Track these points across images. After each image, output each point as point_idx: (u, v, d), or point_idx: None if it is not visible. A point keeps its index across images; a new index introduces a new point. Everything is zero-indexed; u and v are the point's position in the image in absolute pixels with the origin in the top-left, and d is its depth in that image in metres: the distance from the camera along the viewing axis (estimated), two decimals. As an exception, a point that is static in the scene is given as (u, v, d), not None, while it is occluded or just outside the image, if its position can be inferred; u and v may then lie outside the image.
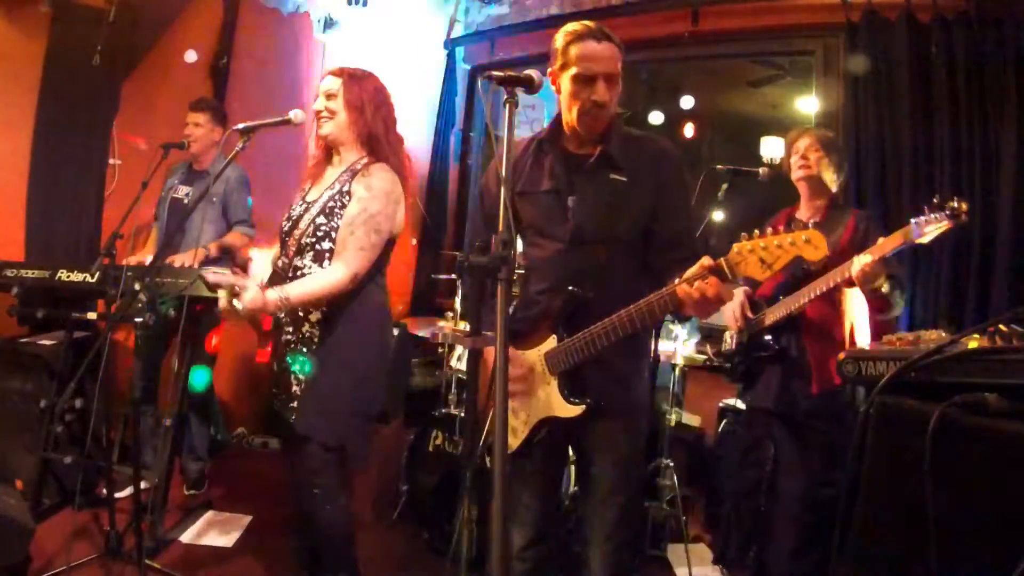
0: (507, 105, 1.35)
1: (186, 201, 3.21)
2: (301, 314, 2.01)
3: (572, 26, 1.67)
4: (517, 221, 1.79)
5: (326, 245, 1.98)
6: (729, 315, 2.42)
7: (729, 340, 2.46)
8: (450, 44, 4.69)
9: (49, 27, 3.36)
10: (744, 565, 2.54)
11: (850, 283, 2.08)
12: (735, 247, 1.39)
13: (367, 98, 2.03)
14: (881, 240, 2.03)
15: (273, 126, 2.02)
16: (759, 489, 2.43)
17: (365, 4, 4.32)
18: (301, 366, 2.00)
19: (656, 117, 6.63)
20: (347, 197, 1.99)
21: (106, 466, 2.52)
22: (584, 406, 1.66)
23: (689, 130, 6.57)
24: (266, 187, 3.58)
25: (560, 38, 1.68)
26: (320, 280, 1.91)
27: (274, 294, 1.84)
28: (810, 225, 1.36)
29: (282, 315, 2.04)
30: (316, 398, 1.96)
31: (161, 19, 3.69)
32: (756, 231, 1.37)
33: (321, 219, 1.99)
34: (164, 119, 3.64)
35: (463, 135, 4.84)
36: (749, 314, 2.38)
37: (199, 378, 3.08)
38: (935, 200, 1.92)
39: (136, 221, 3.35)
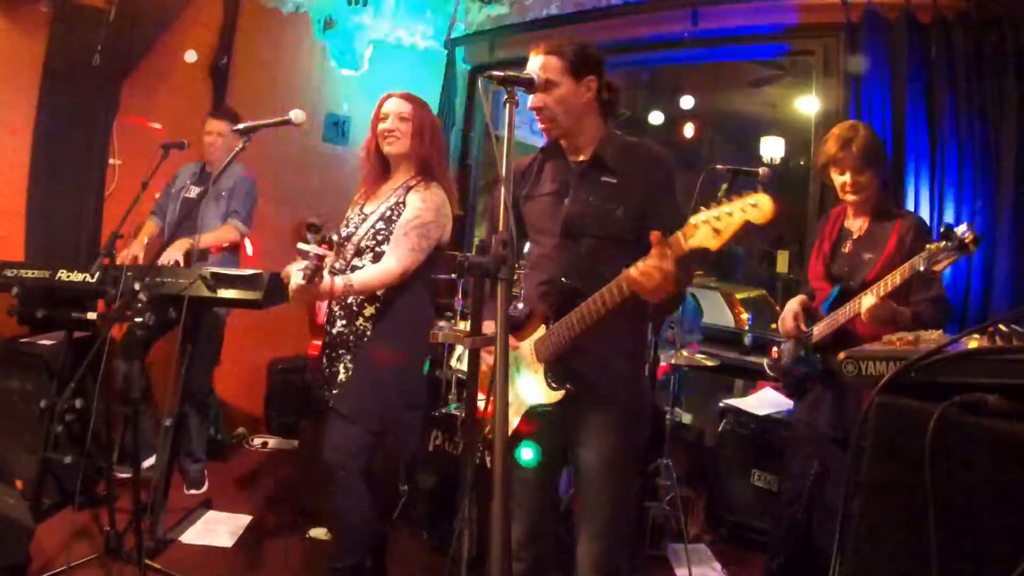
0: (507, 105, 1.37)
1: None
2: (355, 310, 2.21)
3: None
4: (522, 224, 1.90)
5: (385, 247, 2.17)
6: (783, 325, 2.35)
7: (785, 352, 2.37)
8: (450, 44, 4.69)
9: (49, 27, 3.36)
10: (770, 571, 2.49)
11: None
12: (690, 218, 1.39)
13: (428, 125, 2.25)
14: (888, 277, 1.93)
15: (273, 126, 2.03)
16: (799, 501, 2.34)
17: (365, 4, 4.32)
18: (351, 357, 2.19)
19: (656, 117, 6.63)
20: (402, 206, 2.20)
21: (106, 466, 2.52)
22: (564, 391, 1.71)
23: (689, 130, 6.58)
24: (264, 188, 3.58)
25: None
26: (376, 271, 2.13)
27: (341, 280, 2.03)
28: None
29: (336, 308, 2.26)
30: (363, 384, 2.16)
31: (161, 19, 3.69)
32: (712, 202, 1.38)
33: (380, 225, 2.19)
34: (164, 119, 3.64)
35: (463, 135, 4.84)
36: (803, 326, 2.28)
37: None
38: (942, 229, 1.86)
39: (136, 221, 3.35)
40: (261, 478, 3.53)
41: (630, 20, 3.72)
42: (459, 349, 3.27)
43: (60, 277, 2.51)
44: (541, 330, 1.78)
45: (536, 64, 1.71)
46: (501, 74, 1.37)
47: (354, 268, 2.18)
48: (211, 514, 3.00)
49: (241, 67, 3.98)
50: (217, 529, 2.86)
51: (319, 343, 2.30)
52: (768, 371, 2.51)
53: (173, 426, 2.66)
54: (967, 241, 1.81)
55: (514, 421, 1.80)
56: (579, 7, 4.03)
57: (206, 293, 2.44)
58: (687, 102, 6.08)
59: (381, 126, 2.22)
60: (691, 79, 6.08)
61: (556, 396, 1.73)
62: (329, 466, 2.16)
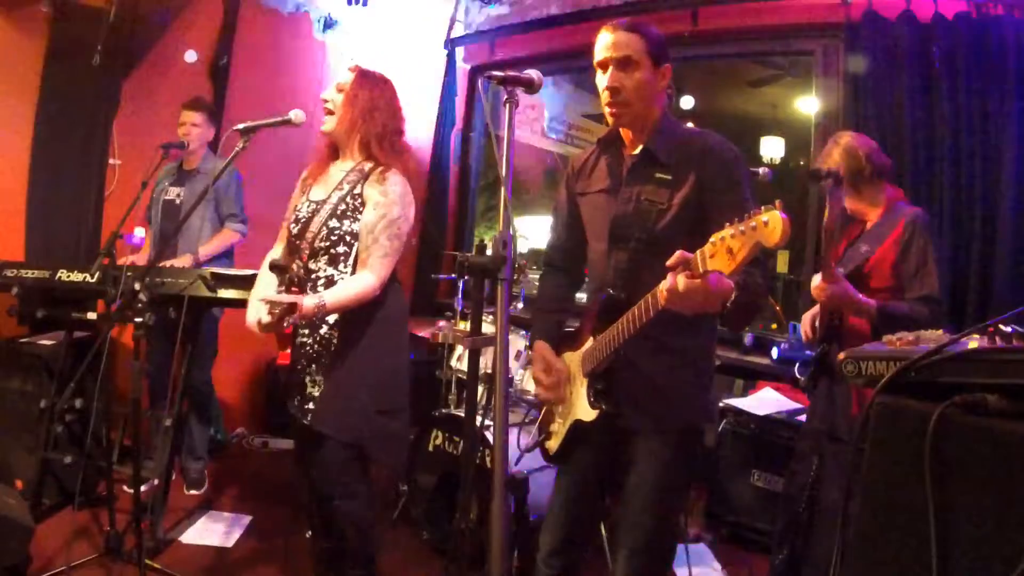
0: (507, 105, 1.36)
1: (178, 202, 3.20)
2: (317, 318, 2.00)
3: None
4: (581, 223, 1.80)
5: (340, 249, 1.99)
6: (804, 335, 2.33)
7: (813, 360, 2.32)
8: (450, 44, 4.69)
9: (49, 27, 3.36)
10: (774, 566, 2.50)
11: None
12: (712, 237, 1.23)
13: (372, 99, 2.02)
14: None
15: (273, 126, 2.02)
16: (800, 498, 2.35)
17: (365, 4, 4.32)
18: (319, 368, 2.02)
19: (656, 117, 6.61)
20: (359, 200, 1.99)
21: (106, 466, 2.52)
22: (598, 411, 1.61)
23: (689, 130, 6.57)
24: (267, 187, 3.58)
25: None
26: (353, 289, 1.93)
27: (311, 301, 1.82)
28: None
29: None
30: (335, 398, 1.97)
31: (161, 19, 3.69)
32: (736, 219, 1.21)
33: (334, 223, 1.99)
34: (164, 119, 3.64)
35: (463, 135, 4.84)
36: (817, 326, 2.25)
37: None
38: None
39: (136, 221, 3.35)
40: (261, 478, 3.53)
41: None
42: (459, 349, 3.27)
43: (60, 277, 2.51)
44: (590, 342, 1.68)
45: (609, 40, 1.58)
46: (501, 74, 1.36)
47: (310, 271, 2.01)
48: (211, 514, 3.00)
49: (241, 67, 3.98)
50: (217, 529, 2.86)
51: (288, 353, 2.11)
52: (803, 383, 2.49)
53: (173, 426, 2.66)
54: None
55: (561, 436, 1.75)
56: (579, 7, 4.03)
57: (206, 293, 2.44)
58: (687, 102, 6.08)
59: (321, 95, 2.07)
60: (691, 79, 6.08)
61: (593, 414, 1.63)
62: (323, 490, 2.03)
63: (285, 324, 1.78)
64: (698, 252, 1.25)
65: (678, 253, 1.29)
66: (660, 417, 1.64)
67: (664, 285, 1.32)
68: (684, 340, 1.62)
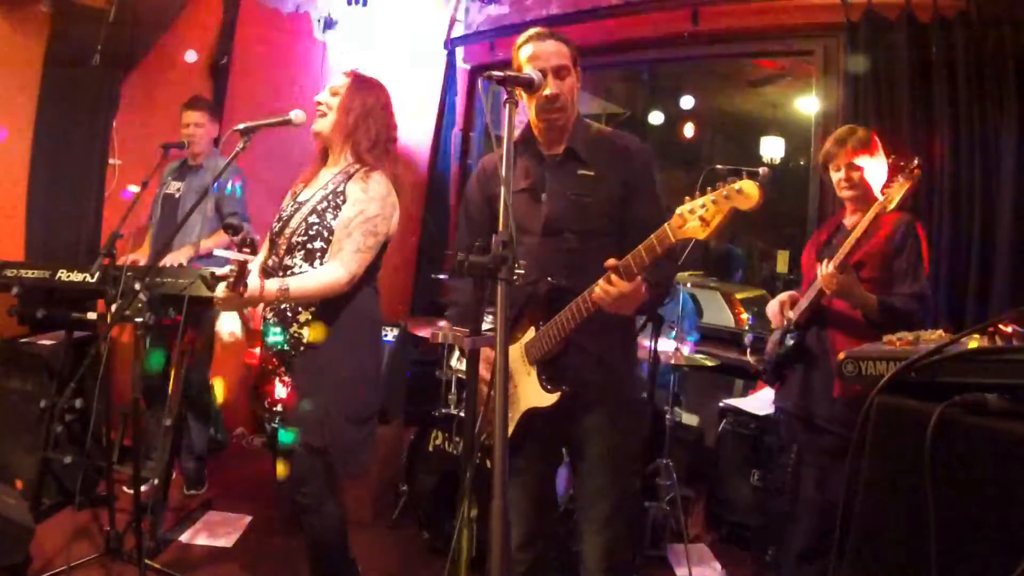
0: (507, 105, 1.36)
1: (177, 196, 3.21)
2: (290, 315, 1.98)
3: (522, 35, 1.82)
4: (495, 221, 1.82)
5: (317, 244, 1.96)
6: (773, 319, 2.36)
7: (770, 342, 2.36)
8: (450, 44, 4.69)
9: (49, 27, 3.35)
10: (766, 564, 2.52)
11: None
12: (677, 210, 1.40)
13: (366, 106, 2.03)
14: (848, 239, 2.04)
15: (273, 126, 2.02)
16: (782, 491, 2.39)
17: (365, 4, 4.32)
18: (288, 369, 1.98)
19: (656, 117, 6.64)
20: (341, 198, 1.97)
21: (106, 466, 2.52)
22: (559, 393, 1.69)
23: (689, 130, 6.58)
24: (267, 187, 3.58)
25: (514, 50, 1.80)
26: (319, 278, 1.89)
27: (274, 284, 1.80)
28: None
29: (270, 316, 2.03)
30: (302, 401, 1.94)
31: (161, 19, 3.68)
32: (697, 192, 1.39)
33: (313, 218, 1.97)
34: (164, 119, 3.64)
35: (463, 135, 4.84)
36: (789, 314, 2.28)
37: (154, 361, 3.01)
38: (889, 161, 2.09)
39: (136, 221, 3.35)
40: (261, 478, 3.52)
41: (630, 20, 3.72)
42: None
43: (60, 277, 2.51)
44: (531, 332, 1.75)
45: (551, 49, 1.72)
46: (501, 74, 1.37)
47: (287, 267, 1.98)
48: (211, 514, 3.01)
49: (241, 67, 3.97)
50: (217, 529, 2.87)
51: (256, 351, 2.07)
52: (754, 365, 2.53)
53: (173, 426, 2.66)
54: (912, 168, 2.00)
55: (510, 428, 1.76)
56: (578, 7, 4.03)
57: (206, 293, 2.44)
58: (687, 102, 6.08)
59: (315, 97, 2.07)
60: (691, 79, 6.08)
61: (552, 398, 1.69)
62: (293, 498, 1.97)
63: (240, 287, 1.70)
64: (666, 225, 1.43)
65: (612, 262, 1.49)
66: (611, 391, 1.76)
67: (601, 290, 1.51)
68: (617, 319, 1.72)
